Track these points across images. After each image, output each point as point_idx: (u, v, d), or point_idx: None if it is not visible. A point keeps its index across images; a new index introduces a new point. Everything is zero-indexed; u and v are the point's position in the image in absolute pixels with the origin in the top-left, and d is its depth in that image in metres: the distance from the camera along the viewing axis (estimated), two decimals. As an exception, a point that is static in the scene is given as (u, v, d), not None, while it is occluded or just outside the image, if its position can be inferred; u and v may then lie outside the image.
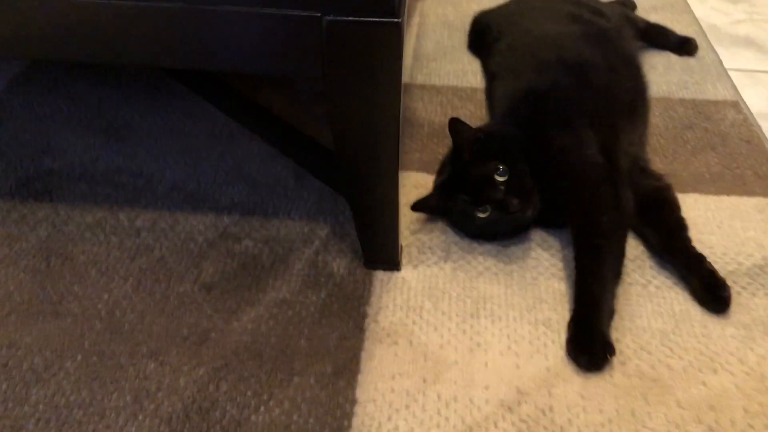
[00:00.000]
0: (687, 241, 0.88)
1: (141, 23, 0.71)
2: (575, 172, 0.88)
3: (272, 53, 0.73)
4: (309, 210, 0.96)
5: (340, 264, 0.88)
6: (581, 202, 0.86)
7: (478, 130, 0.92)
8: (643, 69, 1.09)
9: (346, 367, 0.76)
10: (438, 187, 0.93)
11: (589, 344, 0.76)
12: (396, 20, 0.68)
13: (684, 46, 1.35)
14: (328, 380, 0.74)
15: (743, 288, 0.87)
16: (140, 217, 0.94)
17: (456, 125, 0.90)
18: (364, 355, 0.77)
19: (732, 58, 1.36)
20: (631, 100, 1.00)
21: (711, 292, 0.83)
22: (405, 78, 1.25)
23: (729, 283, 0.87)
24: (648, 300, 0.85)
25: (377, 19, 0.69)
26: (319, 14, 0.68)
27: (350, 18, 0.69)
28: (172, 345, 0.77)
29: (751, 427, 0.71)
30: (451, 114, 1.15)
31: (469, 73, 1.28)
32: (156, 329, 0.79)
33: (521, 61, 1.08)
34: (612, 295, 0.82)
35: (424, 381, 0.75)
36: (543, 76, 1.01)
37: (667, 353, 0.78)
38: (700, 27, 1.47)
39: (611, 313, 0.81)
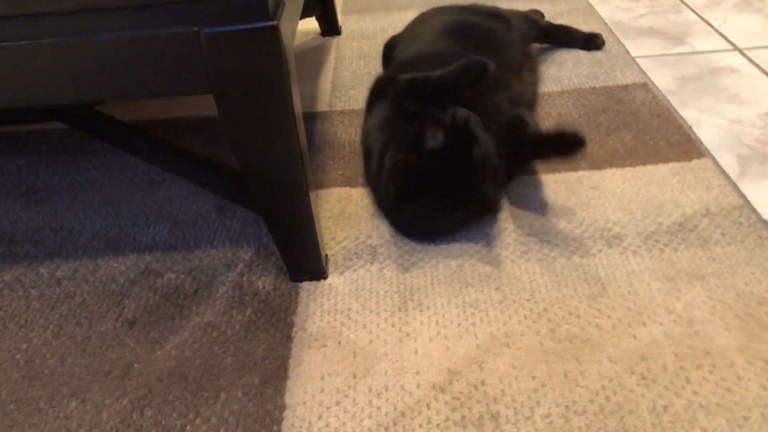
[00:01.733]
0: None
1: (22, 62, 0.71)
2: None
3: (158, 74, 0.73)
4: (232, 237, 0.96)
5: (265, 282, 0.87)
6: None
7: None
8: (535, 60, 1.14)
9: (274, 375, 0.74)
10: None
11: None
12: (271, 23, 0.70)
13: (591, 41, 1.40)
14: (256, 391, 0.72)
15: (665, 245, 0.87)
16: (61, 268, 0.92)
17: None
18: (292, 362, 0.76)
19: (638, 47, 1.41)
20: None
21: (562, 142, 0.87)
22: (323, 106, 1.27)
23: (650, 243, 0.88)
24: (573, 270, 0.85)
25: (253, 26, 0.70)
26: (197, 28, 0.70)
27: (227, 28, 0.70)
28: (94, 382, 0.75)
29: (683, 369, 0.70)
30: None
31: (386, 94, 1.30)
32: (77, 369, 0.77)
33: (399, 65, 1.12)
34: None
35: (354, 376, 0.73)
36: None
37: (595, 314, 0.78)
38: (606, 24, 1.52)
39: None
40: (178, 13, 0.69)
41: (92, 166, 1.15)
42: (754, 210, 0.92)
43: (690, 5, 1.59)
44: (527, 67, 1.14)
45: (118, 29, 0.70)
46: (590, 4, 1.64)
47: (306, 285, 0.86)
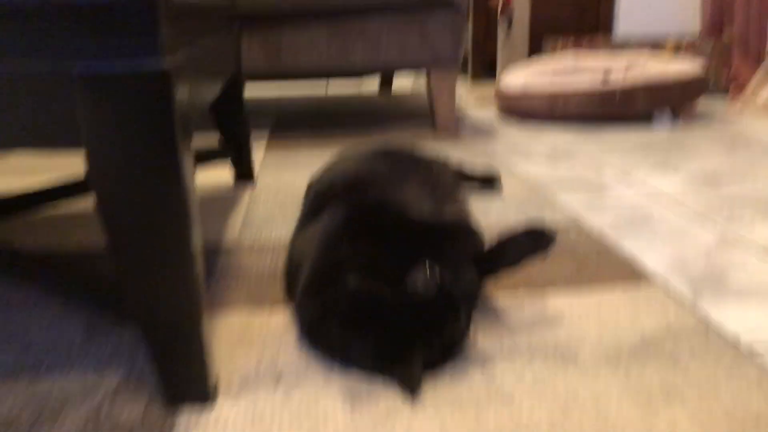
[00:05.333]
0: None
1: None
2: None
3: (17, 122, 0.59)
4: (97, 364, 0.75)
5: (131, 410, 0.66)
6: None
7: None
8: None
9: None
10: None
11: None
12: (161, 68, 0.58)
13: (489, 182, 1.40)
14: None
15: (630, 365, 0.73)
16: None
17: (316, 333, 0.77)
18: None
19: (564, 196, 1.36)
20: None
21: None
22: (230, 243, 1.13)
23: (613, 363, 0.74)
24: (528, 388, 0.68)
25: (140, 68, 0.58)
26: (69, 68, 0.57)
27: (107, 69, 0.58)
28: None
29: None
30: (280, 264, 1.03)
31: (302, 231, 1.18)
32: None
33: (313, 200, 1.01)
34: None
35: None
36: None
37: (561, 438, 0.61)
38: (528, 180, 1.49)
39: None
40: (48, 49, 0.57)
41: (-64, 292, 0.94)
42: (719, 329, 0.81)
43: (610, 166, 1.61)
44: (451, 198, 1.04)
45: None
46: (511, 166, 1.63)
47: (186, 413, 0.66)
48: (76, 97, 0.58)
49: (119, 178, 0.60)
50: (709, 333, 0.79)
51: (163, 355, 0.66)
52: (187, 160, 0.62)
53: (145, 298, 0.63)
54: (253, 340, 0.80)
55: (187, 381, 0.67)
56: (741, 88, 2.53)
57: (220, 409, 0.66)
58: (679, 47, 2.63)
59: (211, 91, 1.03)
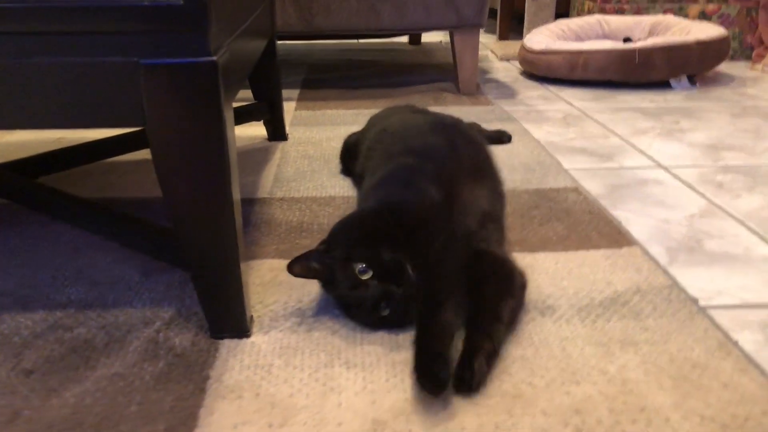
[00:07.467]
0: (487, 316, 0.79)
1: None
2: (412, 210, 0.88)
3: (92, 104, 0.73)
4: (153, 299, 0.91)
5: (182, 338, 0.82)
6: (417, 235, 0.84)
7: (318, 248, 0.86)
8: (485, 146, 1.15)
9: (181, 423, 0.67)
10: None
11: (429, 366, 0.70)
12: (211, 59, 0.71)
13: (500, 137, 1.56)
14: (159, 438, 0.65)
15: (598, 316, 0.87)
16: (-41, 321, 0.85)
17: (295, 267, 0.84)
18: (202, 411, 0.69)
19: (569, 162, 1.48)
20: (473, 165, 1.04)
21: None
22: (264, 194, 1.27)
23: (583, 314, 0.87)
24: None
25: (193, 60, 0.71)
26: (136, 59, 0.70)
27: (167, 60, 0.71)
28: (-27, 427, 0.66)
29: (618, 423, 0.67)
30: (309, 216, 1.17)
31: (328, 187, 1.32)
32: (-44, 415, 0.68)
33: (377, 158, 1.12)
34: (452, 315, 0.76)
35: (270, 426, 0.67)
36: (391, 162, 1.04)
37: (528, 374, 0.75)
38: (539, 144, 1.60)
39: (452, 334, 0.76)
40: (118, 43, 0.70)
41: (15, 234, 1.10)
42: (683, 290, 0.93)
43: (617, 133, 1.70)
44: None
45: (53, 53, 0.69)
46: (525, 128, 1.74)
47: (227, 342, 0.81)
48: (141, 83, 0.71)
49: (175, 149, 0.74)
50: (672, 293, 0.92)
51: (208, 295, 0.81)
52: (230, 129, 0.75)
53: (194, 243, 0.77)
54: (281, 284, 0.94)
55: (228, 317, 0.82)
56: (763, 53, 2.57)
57: (254, 339, 0.82)
58: (705, 9, 2.65)
59: (250, 61, 1.15)
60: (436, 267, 0.80)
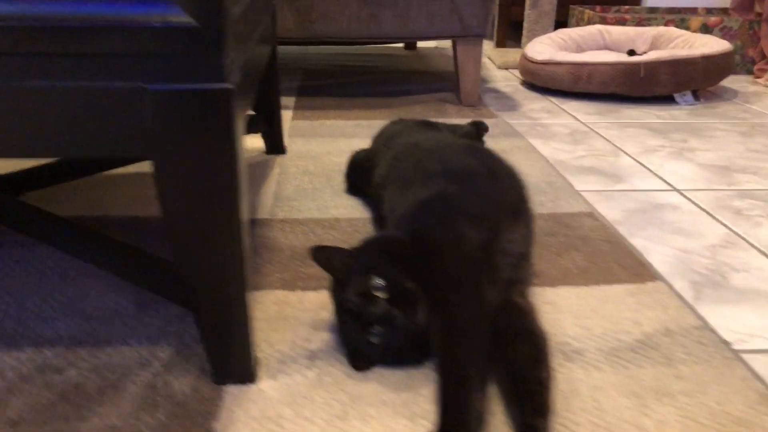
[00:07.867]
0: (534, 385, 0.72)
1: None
2: (445, 267, 0.81)
3: (94, 132, 0.66)
4: (150, 336, 0.84)
5: (183, 383, 0.75)
6: (444, 297, 0.76)
7: (348, 249, 0.83)
8: (517, 174, 1.07)
9: (184, 489, 0.61)
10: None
11: None
12: (226, 86, 0.65)
13: (477, 131, 1.50)
14: (160, 507, 0.59)
15: (628, 361, 0.81)
16: (-63, 360, 0.78)
17: (319, 254, 0.81)
18: (207, 473, 0.63)
19: (580, 183, 1.42)
20: (512, 198, 0.98)
21: None
22: (264, 214, 1.21)
23: (612, 359, 0.81)
24: (533, 381, 0.77)
25: (207, 87, 0.65)
26: (143, 84, 0.64)
27: (178, 86, 0.64)
28: (-47, 492, 0.60)
29: (665, 492, 0.61)
30: (314, 241, 1.11)
31: (332, 207, 1.25)
32: (-67, 476, 0.61)
33: (408, 172, 1.04)
34: (480, 397, 0.68)
35: (283, 493, 0.61)
36: (430, 184, 0.96)
37: (560, 430, 0.69)
38: (548, 162, 1.55)
39: (480, 417, 0.67)
40: (125, 67, 0.63)
41: (-2, 256, 1.03)
42: (714, 331, 0.88)
43: (627, 152, 1.66)
44: None
45: (55, 77, 0.63)
46: (531, 145, 1.68)
47: (231, 389, 0.75)
48: (148, 110, 0.64)
49: (183, 180, 0.67)
50: (703, 335, 0.87)
51: (212, 335, 0.74)
52: (241, 154, 0.69)
53: (197, 275, 0.71)
54: (287, 319, 0.88)
55: (233, 360, 0.75)
56: (765, 68, 2.54)
57: (261, 385, 0.75)
58: (707, 22, 2.62)
59: (258, 76, 1.09)
60: (463, 339, 0.73)
